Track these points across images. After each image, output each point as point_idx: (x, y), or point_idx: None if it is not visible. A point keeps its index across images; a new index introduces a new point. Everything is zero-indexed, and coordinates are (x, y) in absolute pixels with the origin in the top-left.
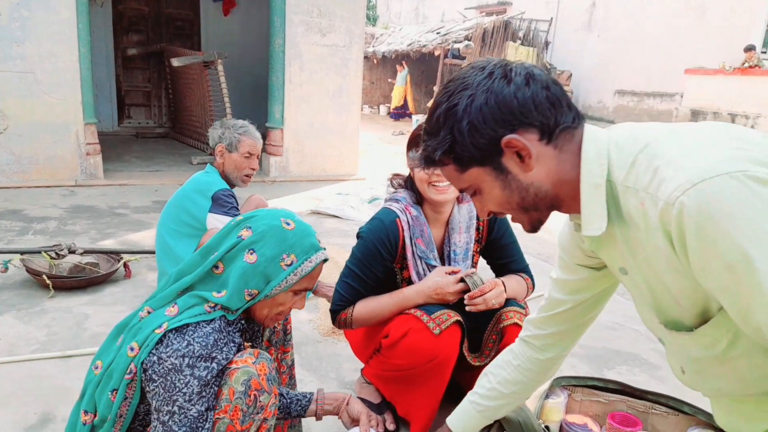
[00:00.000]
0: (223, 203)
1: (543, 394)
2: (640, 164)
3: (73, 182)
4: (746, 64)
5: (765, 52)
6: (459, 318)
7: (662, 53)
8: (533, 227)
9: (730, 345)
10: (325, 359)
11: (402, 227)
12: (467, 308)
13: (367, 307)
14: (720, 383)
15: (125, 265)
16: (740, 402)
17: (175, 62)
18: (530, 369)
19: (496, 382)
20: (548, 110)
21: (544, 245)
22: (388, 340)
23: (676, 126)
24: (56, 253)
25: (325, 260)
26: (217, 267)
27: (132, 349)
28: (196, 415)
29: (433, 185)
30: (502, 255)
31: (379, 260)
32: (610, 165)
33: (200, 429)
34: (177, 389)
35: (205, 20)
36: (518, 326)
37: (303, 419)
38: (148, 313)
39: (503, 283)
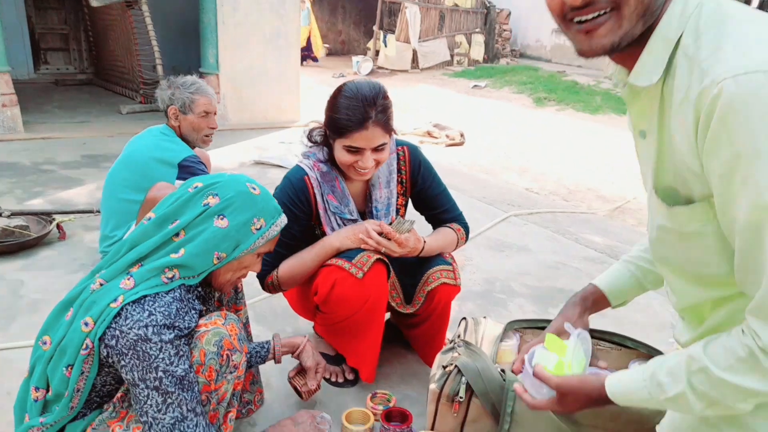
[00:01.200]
0: (194, 171)
1: (497, 338)
2: (708, 37)
3: None
4: None
5: None
6: (379, 255)
7: None
8: (621, 40)
9: (696, 232)
10: (279, 314)
11: (311, 184)
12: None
13: (289, 265)
14: (668, 253)
15: (58, 226)
16: (675, 275)
17: (94, 2)
18: None
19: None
20: None
21: (489, 189)
22: (318, 297)
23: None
24: None
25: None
26: (177, 235)
27: (86, 324)
28: (183, 373)
29: (355, 169)
30: (431, 206)
31: (293, 220)
32: (685, 27)
33: (194, 384)
34: (153, 357)
35: None
36: (447, 285)
37: (263, 379)
38: (101, 285)
39: (424, 241)
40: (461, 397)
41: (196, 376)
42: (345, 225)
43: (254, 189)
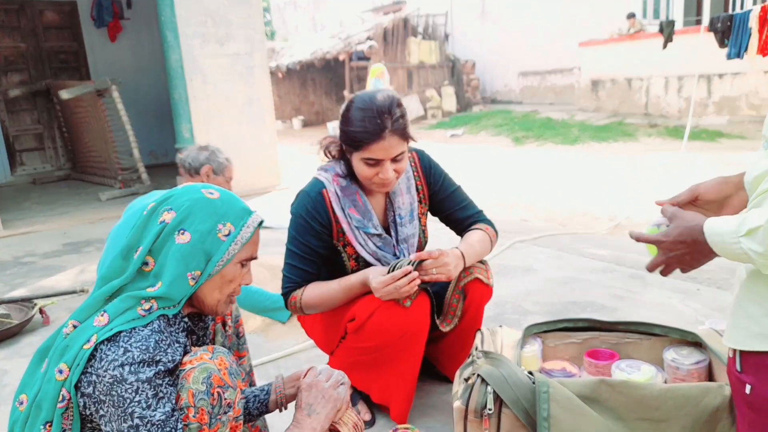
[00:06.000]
0: None
1: (517, 343)
2: None
3: None
4: (631, 30)
5: (646, 17)
6: (425, 286)
7: (555, 31)
8: None
9: None
10: (283, 368)
11: (329, 198)
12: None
13: (315, 292)
14: None
15: (41, 311)
16: None
17: (65, 94)
18: None
19: None
20: None
21: None
22: (354, 324)
23: None
24: None
25: (261, 222)
26: (146, 264)
27: (61, 371)
28: (163, 418)
29: (376, 183)
30: (448, 205)
31: (312, 234)
32: None
33: (175, 430)
34: (129, 401)
35: (91, 50)
36: (481, 282)
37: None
38: (74, 327)
39: (462, 253)
40: (490, 410)
41: (184, 423)
42: (370, 240)
43: (212, 194)
